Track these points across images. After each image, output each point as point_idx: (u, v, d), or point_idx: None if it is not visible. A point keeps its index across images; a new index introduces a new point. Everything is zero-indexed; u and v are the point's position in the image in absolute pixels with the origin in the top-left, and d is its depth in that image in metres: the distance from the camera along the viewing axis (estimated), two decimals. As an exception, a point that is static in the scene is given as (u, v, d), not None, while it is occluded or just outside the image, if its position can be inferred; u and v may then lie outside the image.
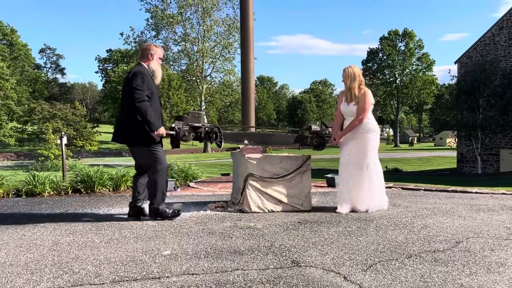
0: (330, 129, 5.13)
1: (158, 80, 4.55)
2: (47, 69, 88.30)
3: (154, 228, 4.03)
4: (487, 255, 3.13)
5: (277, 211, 4.86)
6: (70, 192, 6.51)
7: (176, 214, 4.46)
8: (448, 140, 69.02)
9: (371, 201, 4.80)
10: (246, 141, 4.76)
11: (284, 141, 5.11)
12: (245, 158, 4.91)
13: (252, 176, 4.87)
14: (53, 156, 18.98)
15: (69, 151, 23.99)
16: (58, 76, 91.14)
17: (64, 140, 7.87)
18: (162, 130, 4.25)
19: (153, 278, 2.62)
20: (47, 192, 6.33)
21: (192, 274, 2.68)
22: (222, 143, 4.58)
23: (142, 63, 4.49)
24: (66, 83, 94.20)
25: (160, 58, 4.61)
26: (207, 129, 4.56)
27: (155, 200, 4.36)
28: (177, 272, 2.73)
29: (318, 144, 5.02)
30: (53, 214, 4.80)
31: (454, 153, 28.68)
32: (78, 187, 6.63)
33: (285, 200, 4.92)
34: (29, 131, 32.88)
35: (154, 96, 4.36)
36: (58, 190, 6.47)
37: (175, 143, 4.50)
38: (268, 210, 4.88)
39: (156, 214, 4.38)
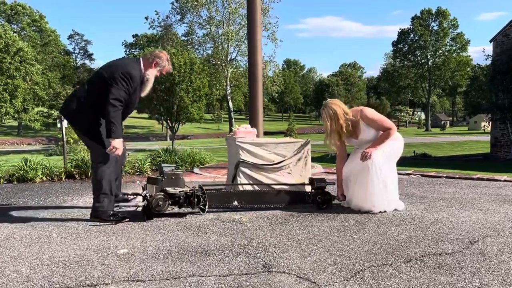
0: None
1: (144, 92, 3.81)
2: (76, 54, 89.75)
3: (126, 220, 3.62)
4: (505, 260, 2.56)
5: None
6: (63, 178, 6.21)
7: (119, 218, 3.58)
8: (482, 123, 66.32)
9: (377, 201, 3.91)
10: (235, 202, 3.92)
11: (281, 200, 4.08)
12: (236, 142, 4.44)
13: (243, 163, 4.39)
14: (72, 140, 19.06)
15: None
16: (87, 61, 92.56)
17: (64, 124, 7.58)
18: (120, 144, 3.50)
19: (88, 285, 2.20)
20: (39, 178, 6.05)
21: (137, 281, 2.24)
22: (207, 207, 3.73)
23: (142, 63, 3.77)
24: (94, 68, 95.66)
25: (161, 73, 3.91)
26: (187, 193, 3.71)
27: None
28: (121, 277, 2.29)
29: (323, 202, 4.11)
30: (28, 203, 4.48)
31: (488, 137, 27.26)
32: (73, 172, 6.33)
33: (280, 189, 4.41)
34: (55, 116, 33.38)
35: (131, 100, 3.69)
36: (51, 176, 6.18)
37: (147, 214, 3.62)
38: (261, 200, 4.39)
39: (95, 215, 3.61)
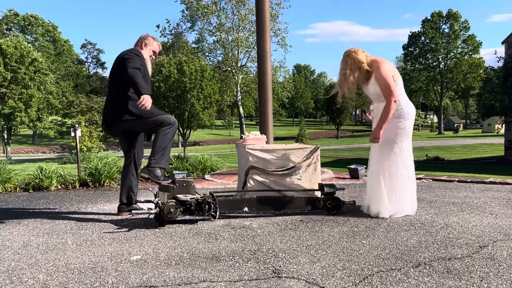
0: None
1: (147, 70, 4.18)
2: (89, 63, 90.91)
3: (138, 227, 3.70)
4: (515, 265, 2.56)
5: (282, 207, 4.40)
6: (77, 186, 6.32)
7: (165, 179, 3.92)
8: (496, 126, 65.46)
9: (388, 205, 3.90)
10: (246, 209, 3.98)
11: (291, 205, 4.11)
12: (246, 149, 4.50)
13: (253, 169, 4.44)
14: (85, 148, 19.29)
15: (102, 143, 24.38)
16: (99, 70, 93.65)
17: (78, 133, 7.72)
18: (148, 97, 3.69)
19: (103, 291, 2.26)
20: (54, 186, 6.17)
21: (149, 287, 2.30)
22: (218, 214, 3.78)
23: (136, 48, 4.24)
24: (107, 77, 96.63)
25: (153, 52, 4.28)
26: (198, 200, 3.75)
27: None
28: (134, 283, 2.36)
29: (333, 207, 4.12)
30: (43, 211, 4.58)
31: (502, 140, 26.94)
32: (87, 181, 6.44)
33: (290, 195, 4.45)
34: (68, 124, 33.92)
35: (145, 78, 3.97)
36: (65, 184, 6.30)
37: (160, 221, 3.70)
38: (272, 206, 4.43)
39: (151, 174, 3.92)
